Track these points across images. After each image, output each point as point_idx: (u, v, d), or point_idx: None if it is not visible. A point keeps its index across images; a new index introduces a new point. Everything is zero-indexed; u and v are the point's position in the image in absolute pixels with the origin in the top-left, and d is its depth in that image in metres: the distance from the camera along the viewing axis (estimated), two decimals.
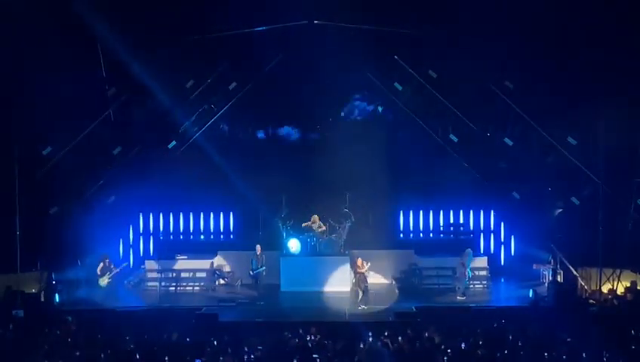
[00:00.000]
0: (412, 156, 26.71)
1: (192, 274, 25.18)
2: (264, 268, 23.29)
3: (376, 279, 24.09)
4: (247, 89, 25.82)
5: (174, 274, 25.01)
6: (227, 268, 25.43)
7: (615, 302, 21.61)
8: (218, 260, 25.54)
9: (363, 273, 22.36)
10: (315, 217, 24.87)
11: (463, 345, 16.98)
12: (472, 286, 24.12)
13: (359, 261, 22.54)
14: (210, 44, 24.29)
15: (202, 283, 25.02)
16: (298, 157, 26.17)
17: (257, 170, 25.61)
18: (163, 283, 24.28)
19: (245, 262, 23.93)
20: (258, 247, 23.39)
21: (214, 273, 25.04)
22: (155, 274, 24.46)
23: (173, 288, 24.78)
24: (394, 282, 24.76)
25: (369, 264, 22.65)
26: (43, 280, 22.97)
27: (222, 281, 24.92)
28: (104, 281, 22.97)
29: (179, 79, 25.14)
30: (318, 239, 24.71)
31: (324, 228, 24.83)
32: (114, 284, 23.32)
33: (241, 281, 24.75)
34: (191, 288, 24.91)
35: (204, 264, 25.35)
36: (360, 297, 22.11)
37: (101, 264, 23.21)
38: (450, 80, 24.84)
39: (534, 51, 22.80)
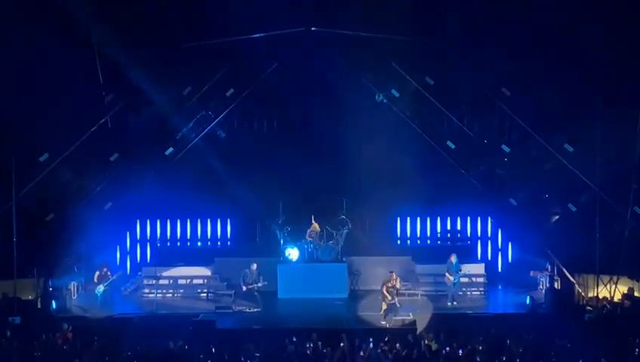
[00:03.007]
0: (409, 163, 26.73)
1: (189, 281, 25.13)
2: (265, 283, 23.12)
3: (374, 286, 23.96)
4: (245, 95, 25.84)
5: (171, 281, 24.96)
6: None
7: (612, 308, 21.61)
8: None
9: (394, 289, 21.79)
10: (316, 225, 24.86)
11: (460, 352, 16.98)
12: (469, 292, 24.08)
13: (394, 276, 21.89)
14: (207, 51, 24.29)
15: (199, 290, 24.97)
16: (295, 164, 26.14)
17: (254, 176, 25.59)
18: (160, 290, 24.22)
19: (241, 269, 23.89)
20: (254, 265, 23.12)
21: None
22: (152, 281, 24.40)
23: (171, 295, 24.73)
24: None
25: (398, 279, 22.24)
26: (40, 287, 22.91)
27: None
28: (100, 289, 22.96)
29: (176, 86, 25.14)
30: (316, 246, 24.69)
31: (318, 230, 24.78)
32: (108, 292, 23.28)
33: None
34: (188, 295, 24.86)
35: (202, 271, 25.29)
36: (383, 311, 21.48)
37: (97, 272, 23.21)
38: (447, 87, 24.86)
39: (531, 58, 22.84)
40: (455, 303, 22.92)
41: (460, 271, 23.37)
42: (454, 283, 23.15)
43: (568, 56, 22.26)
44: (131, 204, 25.24)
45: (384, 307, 21.52)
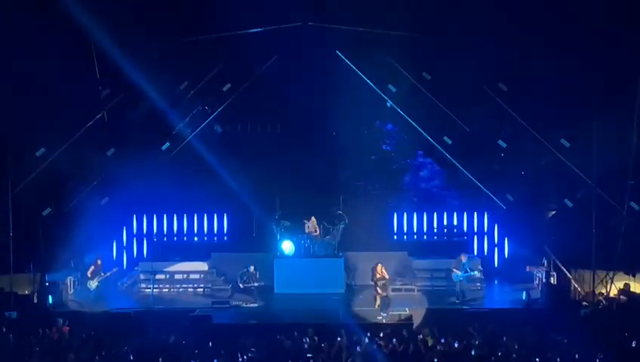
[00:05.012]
0: (406, 158, 26.77)
1: (185, 275, 25.14)
2: (262, 283, 23.19)
3: (370, 281, 23.94)
4: (241, 90, 25.82)
5: (168, 276, 24.98)
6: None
7: (608, 304, 21.66)
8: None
9: (383, 281, 21.92)
10: (313, 219, 24.87)
11: (456, 345, 17.02)
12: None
13: (379, 267, 22.09)
14: (204, 46, 24.29)
15: (196, 285, 24.99)
16: (292, 159, 26.16)
17: (251, 171, 25.59)
18: (157, 285, 24.22)
19: (238, 264, 23.89)
20: (252, 267, 23.22)
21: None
22: (148, 276, 24.40)
23: (167, 290, 24.74)
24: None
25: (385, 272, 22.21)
26: (36, 282, 22.91)
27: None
28: (93, 284, 23.03)
29: (173, 80, 25.10)
30: (312, 241, 24.71)
31: (317, 232, 24.81)
32: (105, 287, 23.38)
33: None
34: (184, 290, 24.88)
35: (198, 266, 25.30)
36: (378, 305, 21.57)
37: (92, 267, 23.27)
38: (444, 82, 24.85)
39: (528, 53, 22.84)
40: (457, 301, 22.80)
41: (468, 270, 23.06)
42: (460, 280, 23.00)
43: (565, 52, 22.24)
44: (128, 198, 25.20)
45: (378, 302, 21.59)
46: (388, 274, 22.41)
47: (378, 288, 21.83)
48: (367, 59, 25.02)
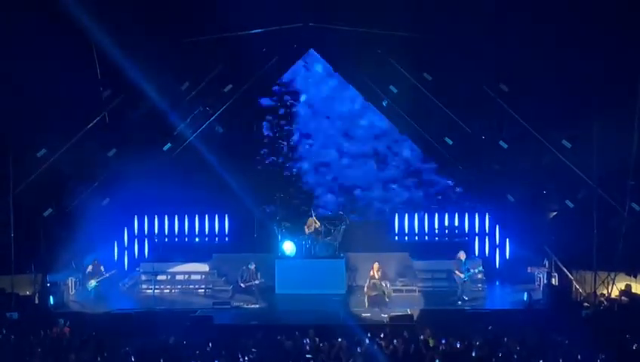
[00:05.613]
0: (406, 158, 26.77)
1: (186, 276, 25.14)
2: (263, 280, 23.19)
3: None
4: (242, 91, 25.82)
5: (169, 277, 24.98)
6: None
7: (609, 305, 21.63)
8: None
9: (375, 280, 21.90)
10: (311, 219, 24.86)
11: (458, 346, 17.01)
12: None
13: (375, 266, 22.09)
14: (205, 46, 24.28)
15: (197, 286, 24.99)
16: (292, 159, 26.18)
17: (252, 172, 25.59)
18: (158, 286, 24.22)
19: (239, 264, 23.89)
20: (253, 265, 23.25)
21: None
22: (149, 277, 24.41)
23: (168, 290, 24.74)
24: (388, 285, 24.72)
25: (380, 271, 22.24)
26: (37, 283, 22.91)
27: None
28: (91, 284, 23.06)
29: (174, 81, 25.09)
30: (314, 241, 24.71)
31: (318, 226, 24.81)
32: (105, 287, 23.41)
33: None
34: (185, 290, 24.87)
35: (199, 267, 25.30)
36: (366, 305, 21.62)
37: (90, 266, 23.28)
38: (445, 82, 24.84)
39: (528, 53, 22.81)
40: (459, 302, 22.73)
41: (470, 270, 23.08)
42: (464, 281, 22.94)
43: (566, 53, 22.22)
44: (129, 199, 25.20)
45: (366, 303, 21.67)
46: (379, 274, 22.39)
47: (365, 286, 21.87)
48: (368, 60, 25.00)
